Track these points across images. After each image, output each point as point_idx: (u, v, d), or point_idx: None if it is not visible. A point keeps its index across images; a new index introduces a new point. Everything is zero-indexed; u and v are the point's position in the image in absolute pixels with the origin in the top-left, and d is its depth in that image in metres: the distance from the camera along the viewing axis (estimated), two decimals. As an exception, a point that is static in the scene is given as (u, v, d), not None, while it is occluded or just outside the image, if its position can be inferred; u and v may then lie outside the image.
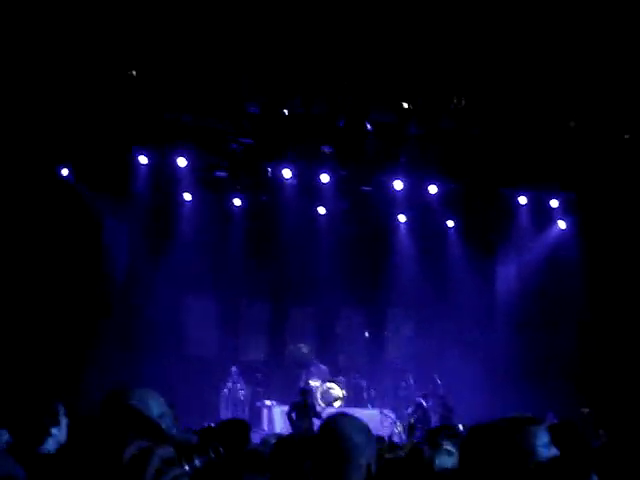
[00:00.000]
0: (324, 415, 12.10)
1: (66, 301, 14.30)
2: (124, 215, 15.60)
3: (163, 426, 2.28)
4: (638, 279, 15.35)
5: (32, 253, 13.86)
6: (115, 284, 15.42)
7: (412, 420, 13.80)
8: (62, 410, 3.78)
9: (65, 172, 14.72)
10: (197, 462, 1.71)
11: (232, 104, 13.81)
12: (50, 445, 3.62)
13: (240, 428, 5.09)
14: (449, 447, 4.83)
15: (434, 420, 14.47)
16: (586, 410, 13.91)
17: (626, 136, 14.57)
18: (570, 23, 11.71)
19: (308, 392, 14.01)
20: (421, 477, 4.39)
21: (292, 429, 13.18)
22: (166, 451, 1.71)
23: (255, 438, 5.96)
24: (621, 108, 13.73)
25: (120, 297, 15.44)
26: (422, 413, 14.87)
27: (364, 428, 2.95)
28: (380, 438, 8.67)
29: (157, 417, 2.38)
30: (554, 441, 3.82)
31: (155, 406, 2.52)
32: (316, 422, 12.39)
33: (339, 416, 3.05)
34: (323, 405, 15.29)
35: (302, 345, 16.69)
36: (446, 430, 6.59)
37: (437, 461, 4.80)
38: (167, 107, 13.78)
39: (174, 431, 2.37)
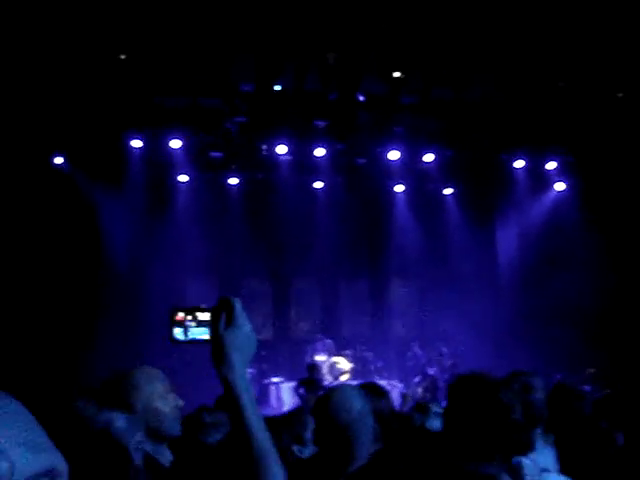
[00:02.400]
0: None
1: (66, 289, 14.28)
2: (120, 200, 15.52)
3: None
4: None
5: (30, 243, 13.82)
6: (115, 270, 15.37)
7: (406, 391, 13.93)
8: None
9: (59, 160, 14.64)
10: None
11: (225, 83, 13.69)
12: None
13: None
14: (437, 409, 5.27)
15: (442, 389, 14.54)
16: (591, 370, 14.01)
17: (619, 95, 14.49)
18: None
19: (315, 367, 14.03)
20: (415, 438, 4.61)
21: (302, 405, 13.25)
22: None
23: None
24: (613, 67, 13.64)
25: (120, 283, 15.39)
26: (430, 382, 14.96)
27: (360, 394, 3.11)
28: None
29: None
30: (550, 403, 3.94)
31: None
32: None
33: (334, 389, 3.17)
34: (331, 379, 15.33)
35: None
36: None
37: (427, 424, 5.12)
38: (159, 90, 13.64)
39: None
